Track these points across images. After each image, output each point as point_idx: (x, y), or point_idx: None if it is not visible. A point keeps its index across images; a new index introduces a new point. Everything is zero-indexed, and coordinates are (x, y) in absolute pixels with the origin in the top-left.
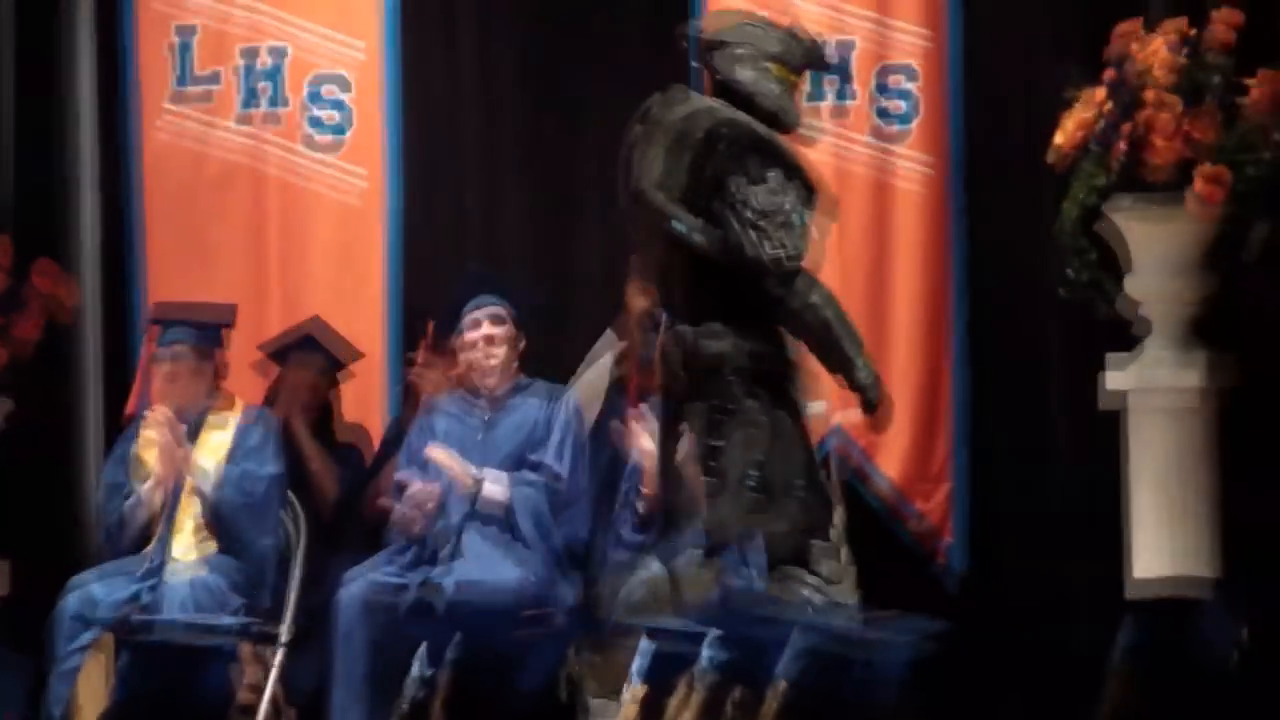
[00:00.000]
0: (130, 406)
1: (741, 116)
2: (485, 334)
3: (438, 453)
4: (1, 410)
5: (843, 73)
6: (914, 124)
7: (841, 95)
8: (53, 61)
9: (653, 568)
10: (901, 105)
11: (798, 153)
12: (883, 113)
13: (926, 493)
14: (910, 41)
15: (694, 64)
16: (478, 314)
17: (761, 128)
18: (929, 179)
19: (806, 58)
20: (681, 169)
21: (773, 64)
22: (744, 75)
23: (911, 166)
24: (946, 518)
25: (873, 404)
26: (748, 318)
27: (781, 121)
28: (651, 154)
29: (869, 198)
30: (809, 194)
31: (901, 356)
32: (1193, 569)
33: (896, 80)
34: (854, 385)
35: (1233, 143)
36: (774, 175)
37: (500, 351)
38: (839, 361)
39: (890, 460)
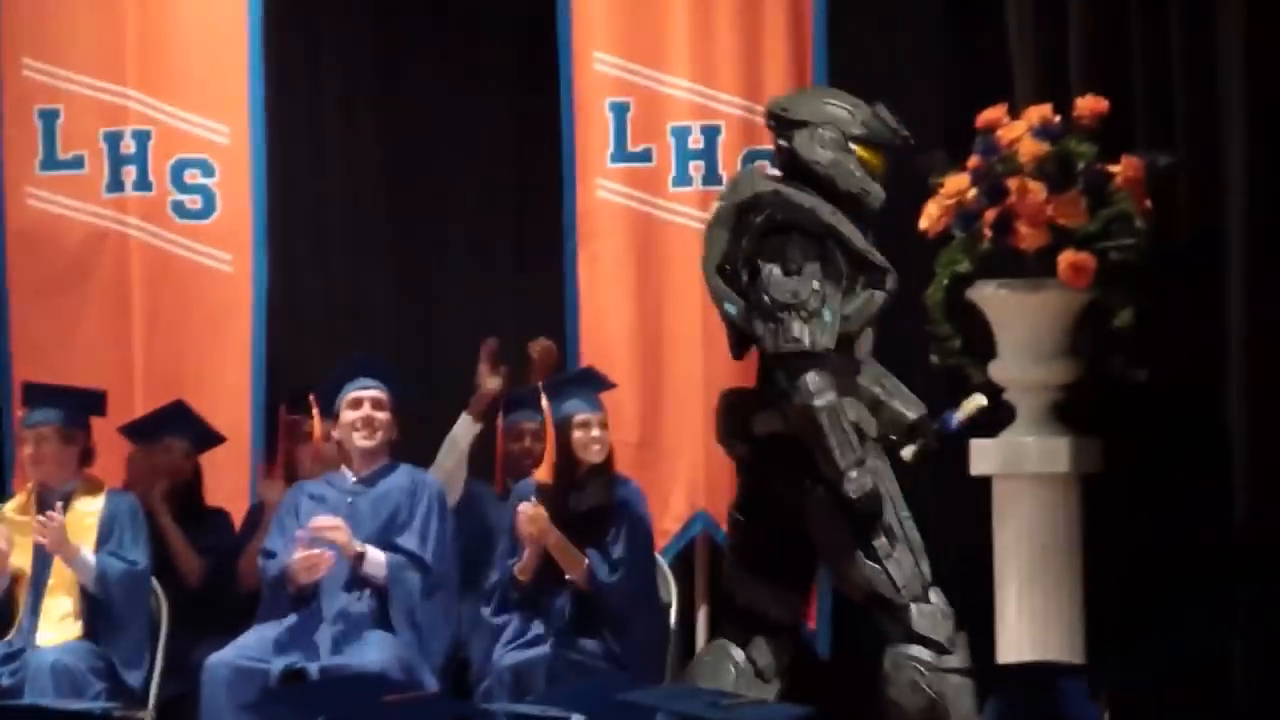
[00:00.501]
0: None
1: (798, 199)
2: (364, 415)
3: (324, 519)
4: None
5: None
6: None
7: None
8: None
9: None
10: None
11: (865, 240)
12: None
13: None
14: None
15: (780, 142)
16: (360, 394)
17: (820, 215)
18: None
19: (889, 138)
20: (736, 252)
21: (856, 144)
22: (823, 156)
23: None
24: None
25: (858, 517)
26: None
27: (864, 203)
28: (715, 235)
29: None
30: (879, 279)
31: None
32: (1055, 654)
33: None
34: (840, 495)
35: (1098, 227)
36: (812, 268)
37: (379, 434)
38: (829, 467)
39: None
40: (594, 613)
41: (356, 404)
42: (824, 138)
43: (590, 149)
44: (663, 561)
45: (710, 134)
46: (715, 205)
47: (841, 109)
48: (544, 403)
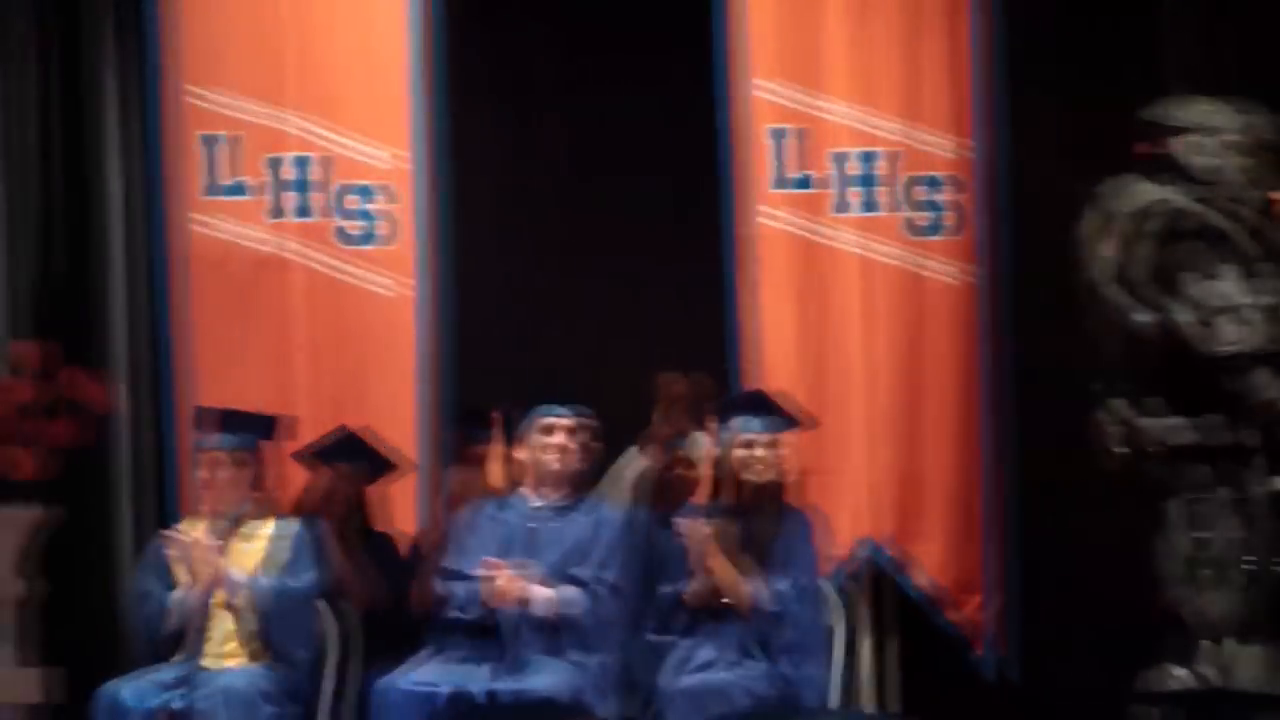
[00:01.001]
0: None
1: (1195, 205)
2: (559, 442)
3: (494, 568)
4: (32, 520)
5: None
6: (947, 231)
7: (871, 206)
8: (81, 166)
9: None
10: (929, 215)
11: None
12: (913, 222)
13: (963, 600)
14: (940, 151)
15: (1163, 149)
16: (555, 420)
17: (1218, 218)
18: (963, 284)
19: (1269, 139)
20: (1138, 262)
21: (1240, 149)
22: (1210, 163)
23: (945, 270)
24: (987, 621)
25: None
26: (1208, 406)
27: (1250, 204)
28: (1100, 247)
29: (903, 301)
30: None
31: (932, 459)
32: None
33: (921, 191)
34: None
35: None
36: (1228, 269)
37: (573, 461)
38: None
39: (927, 568)
40: (763, 638)
41: (549, 429)
42: (1206, 143)
43: (751, 176)
44: (829, 587)
45: (869, 160)
46: (1091, 216)
47: (1223, 114)
48: (709, 426)
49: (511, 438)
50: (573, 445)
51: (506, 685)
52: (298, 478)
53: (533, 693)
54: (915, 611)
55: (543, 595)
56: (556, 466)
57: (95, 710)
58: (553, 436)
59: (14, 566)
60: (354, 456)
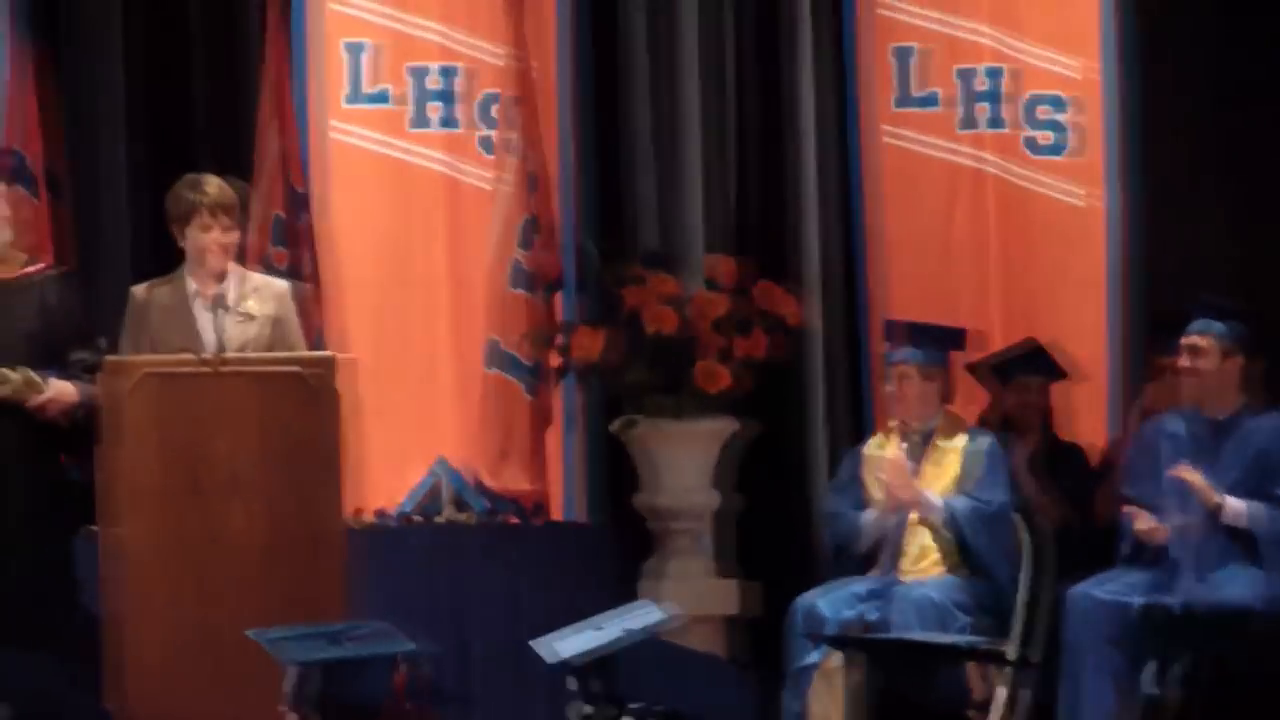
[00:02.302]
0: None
1: None
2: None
3: (1186, 472)
4: (727, 432)
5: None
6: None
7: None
8: (775, 81)
9: None
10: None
11: None
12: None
13: None
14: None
15: None
16: (1192, 339)
17: None
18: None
19: None
20: None
21: None
22: None
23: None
24: None
25: None
26: None
27: None
28: None
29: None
30: None
31: None
32: None
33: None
34: None
35: None
36: None
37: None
38: None
39: None
40: None
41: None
42: None
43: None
44: None
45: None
46: None
47: None
48: None
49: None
50: (1203, 365)
51: (1199, 596)
52: (985, 390)
53: (1226, 604)
54: None
55: (1234, 507)
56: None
57: (791, 620)
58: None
59: (710, 479)
60: (1039, 370)
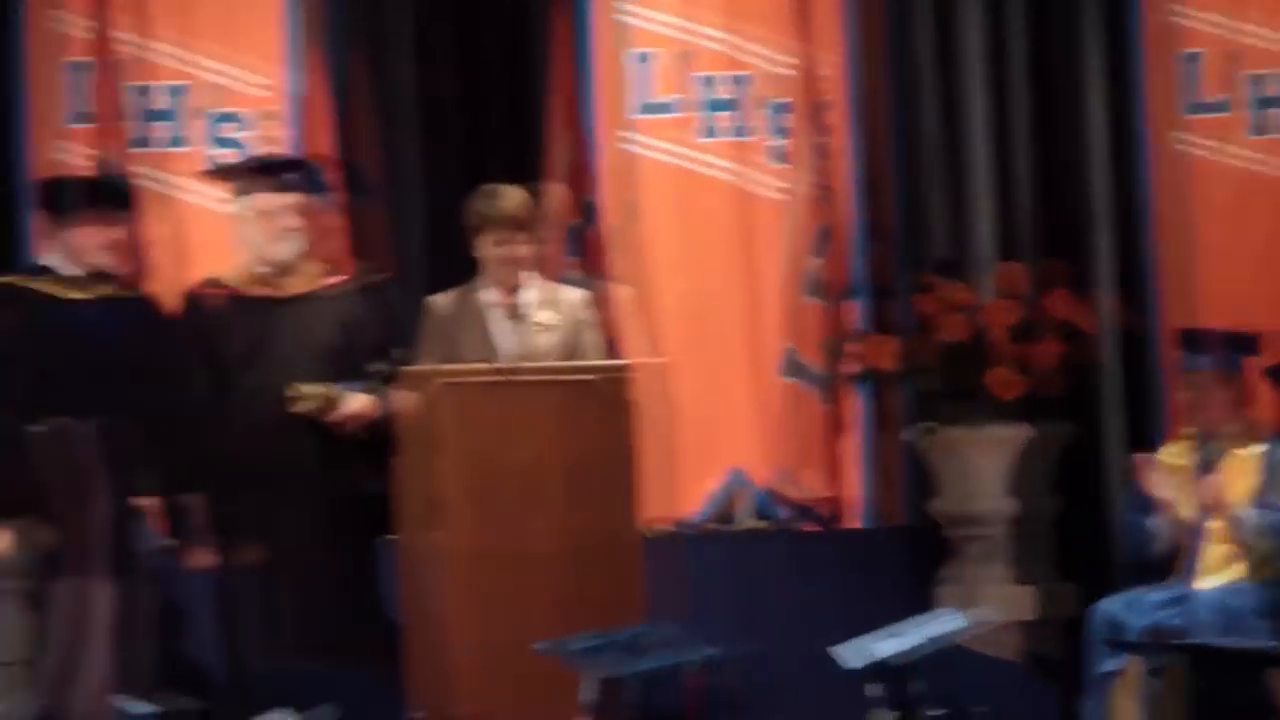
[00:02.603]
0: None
1: None
2: None
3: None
4: (1021, 439)
5: None
6: None
7: None
8: (1064, 90)
9: None
10: None
11: None
12: None
13: None
14: None
15: None
16: None
17: None
18: None
19: None
20: None
21: None
22: None
23: None
24: None
25: None
26: None
27: None
28: None
29: None
30: None
31: None
32: None
33: None
34: None
35: None
36: None
37: None
38: None
39: None
40: None
41: None
42: None
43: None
44: None
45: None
46: None
47: None
48: None
49: None
50: None
51: None
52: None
53: None
54: None
55: None
56: None
57: (1090, 626)
58: None
59: (1005, 485)
60: None
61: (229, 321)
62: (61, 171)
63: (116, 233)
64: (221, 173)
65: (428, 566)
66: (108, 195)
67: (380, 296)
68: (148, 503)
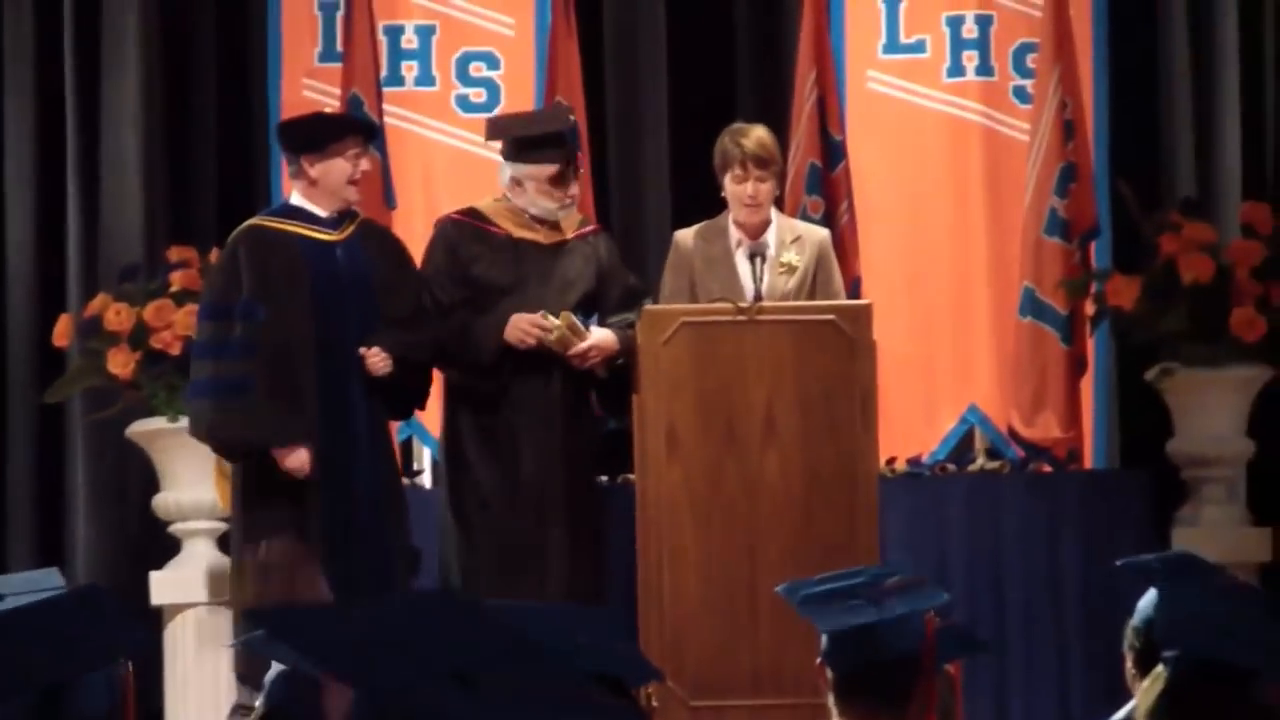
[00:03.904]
0: None
1: None
2: None
3: None
4: (1263, 379)
5: None
6: None
7: None
8: None
9: None
10: None
11: None
12: None
13: None
14: None
15: None
16: None
17: None
18: None
19: None
20: None
21: None
22: None
23: None
24: None
25: None
26: None
27: None
28: None
29: None
30: None
31: None
32: None
33: None
34: None
35: None
36: None
37: None
38: None
39: None
40: None
41: None
42: None
43: None
44: None
45: None
46: None
47: None
48: None
49: None
50: None
51: None
52: None
53: None
54: None
55: None
56: None
57: None
58: None
59: (1245, 427)
60: None
61: (484, 255)
62: (309, 110)
63: (362, 169)
64: (498, 132)
65: (663, 506)
66: (353, 131)
67: (615, 244)
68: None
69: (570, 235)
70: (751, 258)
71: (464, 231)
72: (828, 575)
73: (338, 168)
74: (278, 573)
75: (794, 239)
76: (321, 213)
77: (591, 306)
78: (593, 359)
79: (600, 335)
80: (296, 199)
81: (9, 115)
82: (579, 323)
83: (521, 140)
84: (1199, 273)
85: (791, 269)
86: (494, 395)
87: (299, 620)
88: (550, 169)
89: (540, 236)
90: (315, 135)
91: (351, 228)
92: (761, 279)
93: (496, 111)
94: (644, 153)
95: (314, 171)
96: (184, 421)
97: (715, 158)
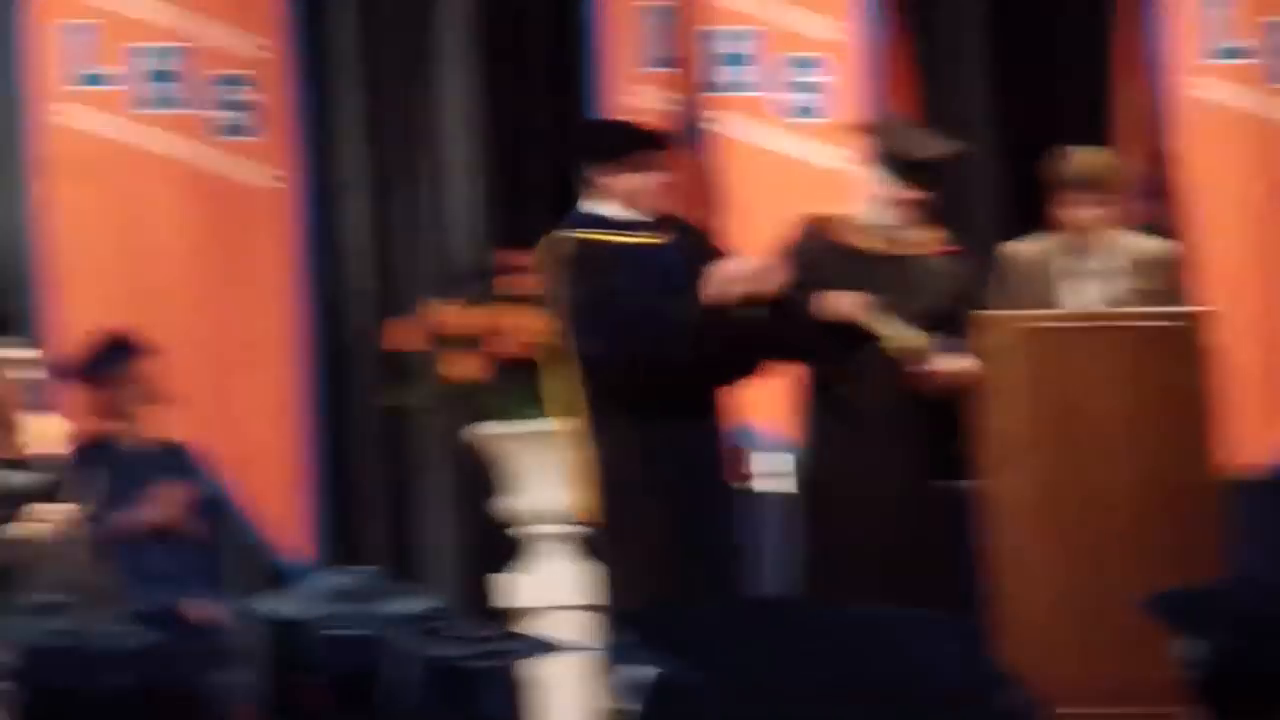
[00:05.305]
0: None
1: None
2: None
3: None
4: None
5: None
6: None
7: None
8: None
9: None
10: None
11: None
12: None
13: None
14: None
15: None
16: None
17: None
18: None
19: None
20: None
21: None
22: None
23: None
24: None
25: None
26: None
27: None
28: None
29: None
30: None
31: None
32: None
33: None
34: None
35: None
36: None
37: None
38: None
39: None
40: None
41: None
42: None
43: None
44: None
45: None
46: None
47: None
48: None
49: None
50: None
51: None
52: None
53: None
54: None
55: None
56: None
57: None
58: None
59: None
60: None
61: (832, 265)
62: (632, 117)
63: (670, 176)
64: (885, 139)
65: (1002, 512)
66: (660, 139)
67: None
68: None
69: (927, 250)
70: (1080, 279)
71: (815, 237)
72: (1183, 590)
73: (640, 178)
74: (643, 575)
75: (1126, 252)
76: (638, 218)
77: (942, 328)
78: (940, 382)
79: (955, 362)
80: (599, 206)
81: (340, 124)
82: (926, 342)
83: (906, 160)
84: None
85: (1122, 280)
86: (850, 399)
87: (673, 623)
88: (918, 194)
89: (886, 246)
90: (618, 142)
91: (671, 232)
92: (1091, 295)
93: (825, 119)
94: (970, 174)
95: (617, 181)
96: (527, 425)
97: (1047, 178)
